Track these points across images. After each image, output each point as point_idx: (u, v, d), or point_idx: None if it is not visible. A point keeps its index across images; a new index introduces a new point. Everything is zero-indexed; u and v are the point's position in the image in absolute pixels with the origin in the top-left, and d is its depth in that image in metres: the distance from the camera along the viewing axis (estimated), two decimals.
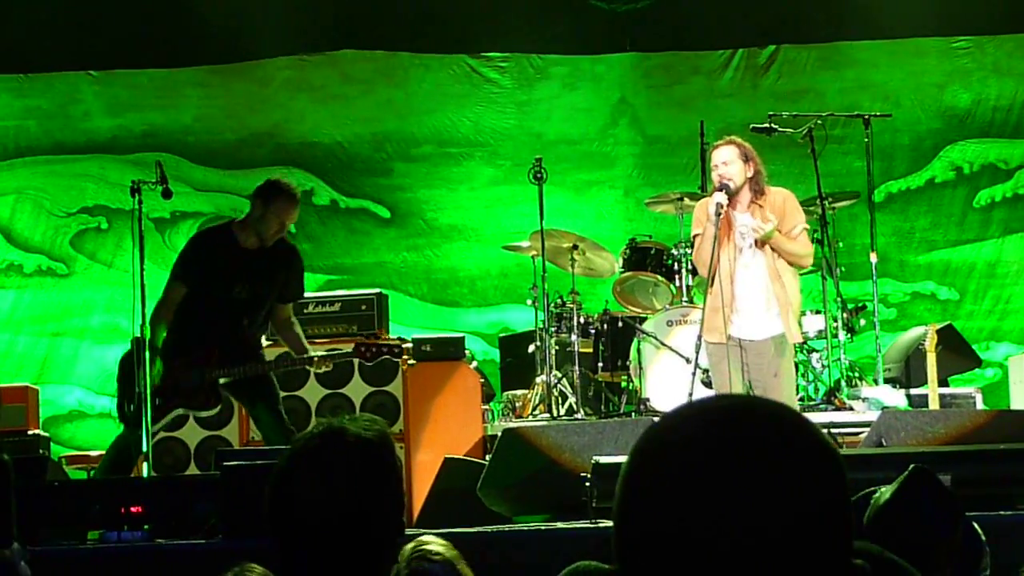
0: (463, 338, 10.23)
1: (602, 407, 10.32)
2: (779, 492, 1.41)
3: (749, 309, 8.10)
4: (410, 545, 3.67)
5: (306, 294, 8.98)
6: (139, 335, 7.91)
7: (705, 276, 8.19)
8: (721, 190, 7.99)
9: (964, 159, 13.08)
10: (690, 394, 8.37)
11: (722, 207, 7.94)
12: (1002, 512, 6.87)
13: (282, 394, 9.18)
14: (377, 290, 10.03)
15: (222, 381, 8.17)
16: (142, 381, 7.83)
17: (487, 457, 8.49)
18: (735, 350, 8.09)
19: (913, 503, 3.70)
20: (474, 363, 10.10)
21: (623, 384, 10.21)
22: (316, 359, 8.28)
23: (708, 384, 9.10)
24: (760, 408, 1.49)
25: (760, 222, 7.97)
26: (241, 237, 8.25)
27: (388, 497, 2.65)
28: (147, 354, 7.85)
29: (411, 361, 9.56)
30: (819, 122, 10.14)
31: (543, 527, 7.04)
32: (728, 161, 8.04)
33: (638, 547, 1.45)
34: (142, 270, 7.92)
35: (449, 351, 9.76)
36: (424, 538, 4.60)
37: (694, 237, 8.29)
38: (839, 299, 10.05)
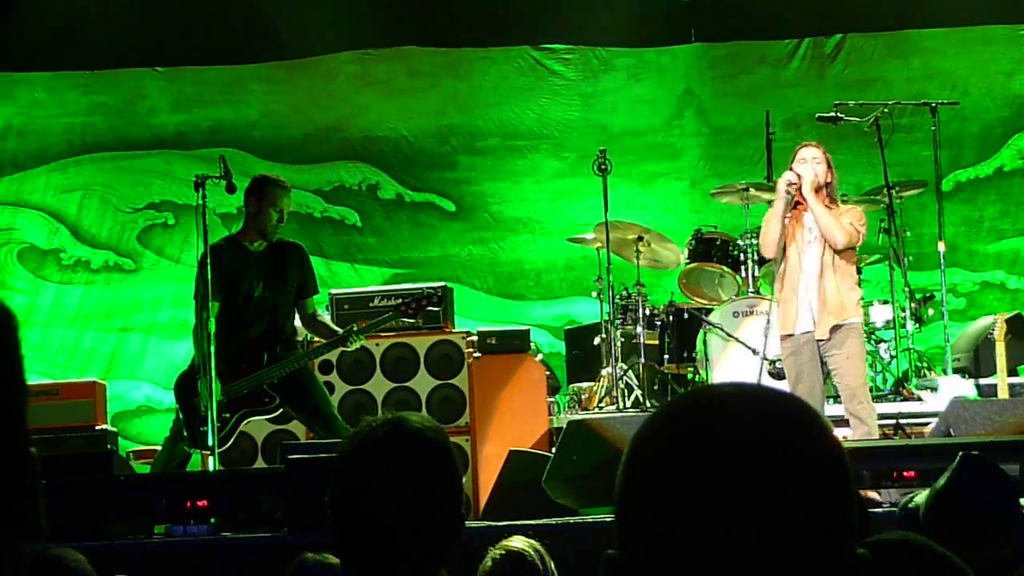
0: (528, 331, 10.23)
1: (668, 399, 10.27)
2: (782, 486, 1.38)
3: (813, 302, 8.18)
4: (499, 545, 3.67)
5: (371, 288, 8.99)
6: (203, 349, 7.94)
7: (770, 257, 8.33)
8: (800, 171, 8.18)
9: None
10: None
11: (796, 184, 8.10)
12: None
13: (347, 388, 9.23)
14: (442, 283, 10.03)
15: (274, 379, 8.21)
16: (204, 392, 7.89)
17: (552, 449, 8.49)
18: (807, 342, 8.19)
19: (965, 487, 3.75)
20: (539, 356, 10.10)
21: (689, 376, 10.17)
22: (352, 330, 8.26)
23: (776, 375, 9.07)
24: (765, 400, 1.46)
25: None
26: (245, 241, 8.32)
27: (450, 488, 2.65)
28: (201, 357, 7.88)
29: (476, 354, 9.58)
30: (885, 111, 10.07)
31: (609, 518, 7.03)
32: (817, 159, 8.23)
33: (636, 539, 1.42)
34: (208, 265, 7.96)
35: (514, 344, 9.77)
36: (511, 539, 4.62)
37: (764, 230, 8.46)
38: (907, 289, 9.98)
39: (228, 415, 8.05)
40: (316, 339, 8.74)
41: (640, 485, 1.43)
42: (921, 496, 3.99)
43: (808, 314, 8.24)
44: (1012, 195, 12.87)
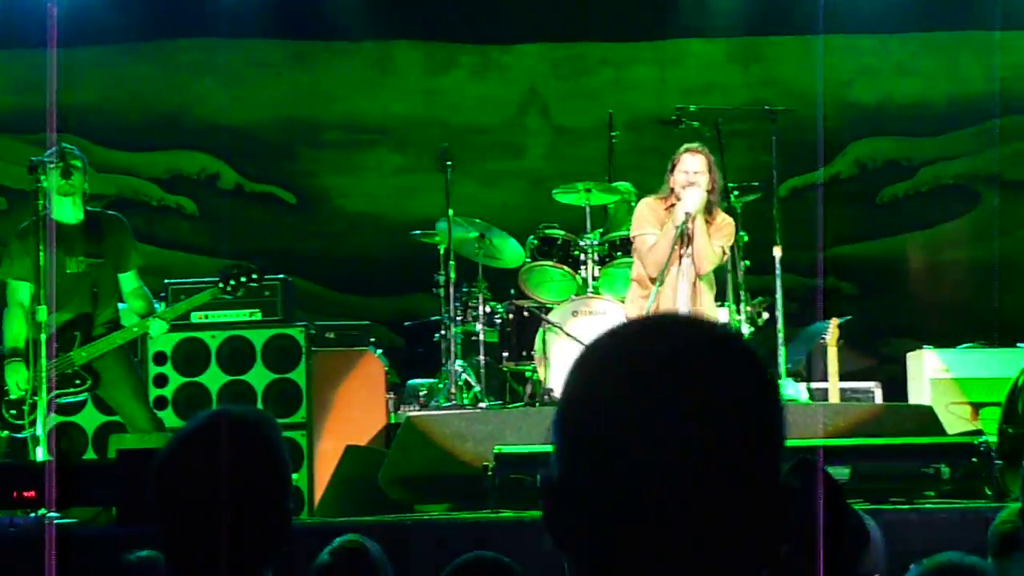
0: (368, 326, 10.18)
1: (506, 397, 10.30)
2: (713, 401, 1.42)
3: (682, 308, 8.31)
4: None
5: (208, 279, 8.85)
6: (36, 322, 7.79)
7: (654, 276, 8.35)
8: (694, 197, 8.19)
9: (868, 156, 13.24)
10: None
11: (693, 217, 8.16)
12: (898, 506, 6.96)
13: (181, 380, 9.09)
14: (282, 276, 9.93)
15: (85, 358, 8.08)
16: (15, 376, 7.76)
17: (390, 446, 8.46)
18: None
19: (794, 491, 3.77)
20: (379, 351, 10.05)
21: (528, 374, 10.20)
22: (154, 312, 8.19)
23: None
24: (697, 323, 1.52)
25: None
26: (57, 216, 8.14)
27: (275, 480, 2.61)
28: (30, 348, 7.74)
29: (314, 348, 9.50)
30: (721, 119, 10.19)
31: (444, 516, 7.03)
32: (701, 171, 8.27)
33: (575, 453, 1.45)
34: (39, 251, 7.78)
35: (354, 339, 9.72)
36: (347, 536, 4.57)
37: (635, 237, 8.49)
38: (743, 293, 10.10)
39: (38, 397, 7.89)
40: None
41: (581, 397, 1.47)
42: None
43: None
44: (846, 203, 13.15)
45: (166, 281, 9.66)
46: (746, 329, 10.02)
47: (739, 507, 1.42)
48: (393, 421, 9.39)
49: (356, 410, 9.36)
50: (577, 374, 1.50)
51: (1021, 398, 8.30)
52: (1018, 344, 10.19)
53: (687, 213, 8.20)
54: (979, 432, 8.57)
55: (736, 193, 10.19)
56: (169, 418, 8.76)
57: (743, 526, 1.42)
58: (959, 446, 7.76)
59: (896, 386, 10.82)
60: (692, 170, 8.32)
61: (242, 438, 2.58)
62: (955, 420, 9.62)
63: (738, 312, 10.07)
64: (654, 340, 1.48)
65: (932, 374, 10.23)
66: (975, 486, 7.45)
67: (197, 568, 2.56)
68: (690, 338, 1.48)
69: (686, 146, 8.57)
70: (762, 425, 1.45)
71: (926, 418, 8.69)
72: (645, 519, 1.40)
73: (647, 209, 8.46)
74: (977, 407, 9.96)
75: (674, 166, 8.42)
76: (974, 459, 7.50)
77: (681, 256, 8.34)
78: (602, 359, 1.48)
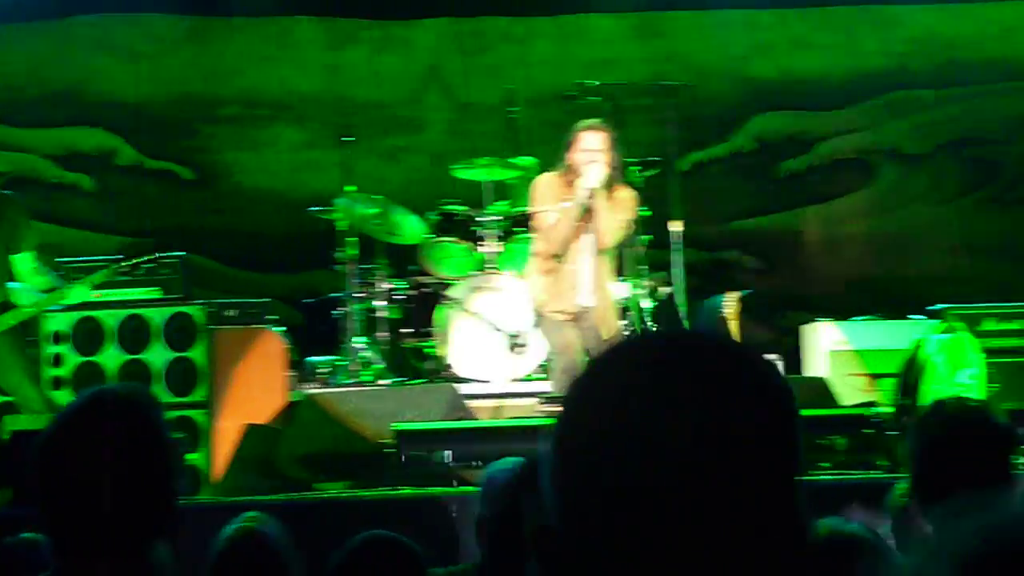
0: (268, 303, 10.11)
1: (408, 373, 10.29)
2: (729, 409, 1.34)
3: (585, 282, 8.29)
4: None
5: (104, 257, 8.77)
6: None
7: (557, 252, 8.34)
8: (596, 173, 8.18)
9: (767, 131, 13.34)
10: (499, 362, 8.46)
11: (594, 191, 8.15)
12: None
13: (79, 359, 8.98)
14: (181, 253, 9.83)
15: None
16: None
17: (290, 424, 8.43)
18: (578, 318, 8.31)
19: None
20: (279, 329, 9.98)
21: (428, 350, 10.19)
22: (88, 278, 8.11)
23: (518, 350, 9.16)
24: (698, 338, 1.46)
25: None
26: None
27: (158, 456, 2.59)
28: None
29: (214, 326, 9.43)
30: (621, 94, 10.22)
31: (343, 494, 7.01)
32: (602, 149, 8.25)
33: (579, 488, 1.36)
34: None
35: (253, 316, 9.65)
36: (246, 515, 4.54)
37: (535, 213, 8.47)
38: (644, 267, 10.13)
39: None
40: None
41: (584, 436, 1.37)
42: None
43: (582, 297, 8.36)
44: (746, 177, 13.25)
45: (58, 260, 9.54)
46: (647, 304, 10.07)
47: (759, 527, 1.34)
48: (293, 399, 9.34)
49: (256, 388, 9.28)
50: (575, 413, 1.39)
51: (915, 370, 8.42)
52: (912, 316, 10.32)
53: (589, 189, 8.21)
54: (873, 403, 8.68)
55: (637, 168, 10.22)
56: (66, 398, 8.65)
57: (766, 544, 1.34)
58: (853, 417, 7.86)
59: (795, 358, 10.92)
60: (592, 147, 8.31)
61: (122, 417, 2.56)
62: (851, 391, 9.73)
63: (639, 287, 10.11)
64: (658, 367, 1.38)
65: (830, 346, 10.34)
66: (869, 457, 7.54)
67: (79, 548, 2.53)
68: (698, 360, 1.38)
69: (585, 122, 8.55)
70: (775, 448, 1.37)
71: (819, 390, 8.79)
72: (668, 557, 1.32)
73: (545, 186, 8.46)
74: (874, 378, 10.07)
75: (572, 143, 8.40)
76: (867, 430, 7.60)
77: (584, 232, 8.35)
78: (604, 392, 1.38)
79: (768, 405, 1.38)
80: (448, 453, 7.36)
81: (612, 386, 1.37)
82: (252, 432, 8.58)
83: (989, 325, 10.13)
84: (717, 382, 1.36)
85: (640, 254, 9.92)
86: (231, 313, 9.65)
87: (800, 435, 1.39)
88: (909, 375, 8.44)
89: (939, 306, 10.06)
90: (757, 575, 1.33)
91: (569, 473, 1.36)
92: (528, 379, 9.67)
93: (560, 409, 1.39)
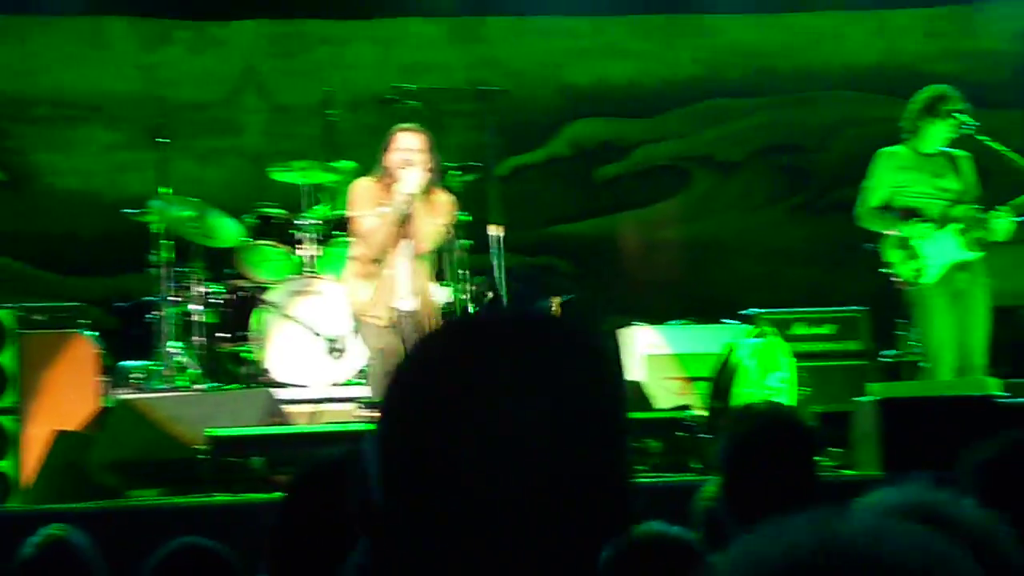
0: (79, 307, 9.92)
1: (223, 378, 10.18)
2: (552, 394, 1.32)
3: (404, 287, 8.27)
4: None
5: None
6: None
7: (376, 257, 8.29)
8: (414, 177, 8.15)
9: (584, 137, 13.48)
10: (317, 367, 8.41)
11: (414, 195, 8.12)
12: None
13: None
14: None
15: None
16: None
17: (102, 430, 8.28)
18: (397, 323, 8.28)
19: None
20: (91, 333, 9.80)
21: (244, 355, 10.10)
22: None
23: (336, 354, 9.13)
24: (523, 317, 1.43)
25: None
26: None
27: None
28: None
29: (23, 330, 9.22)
30: (439, 99, 10.24)
31: (156, 501, 6.92)
32: (419, 150, 8.22)
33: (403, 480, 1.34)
34: None
35: (64, 320, 9.46)
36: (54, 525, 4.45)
37: (353, 218, 8.42)
38: (465, 272, 10.16)
39: None
40: None
41: (405, 412, 1.35)
42: None
43: (401, 301, 8.34)
44: (563, 182, 13.37)
45: None
46: (469, 308, 10.10)
47: (586, 503, 1.34)
48: (106, 405, 9.18)
49: (67, 394, 9.10)
50: (398, 388, 1.38)
51: (727, 373, 8.57)
52: (726, 320, 10.50)
53: (407, 193, 8.20)
54: (687, 407, 8.81)
55: (455, 173, 10.25)
56: None
57: (589, 520, 1.34)
58: (667, 421, 7.97)
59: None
60: (409, 148, 8.30)
61: None
62: (666, 395, 9.87)
63: (460, 292, 10.14)
64: (477, 341, 1.38)
65: (645, 350, 10.47)
66: (682, 459, 7.66)
67: None
68: (519, 331, 1.38)
69: (401, 125, 8.54)
70: (604, 414, 1.36)
71: (635, 393, 8.90)
72: (488, 528, 1.32)
73: (363, 189, 8.43)
74: (689, 381, 10.23)
75: (389, 146, 8.39)
76: (681, 433, 7.71)
77: (402, 236, 8.34)
78: (425, 368, 1.38)
79: (593, 382, 1.38)
80: (262, 459, 7.30)
81: (438, 366, 1.37)
82: (62, 438, 8.41)
83: (799, 329, 10.36)
84: (543, 360, 1.35)
85: (461, 258, 9.94)
86: (41, 317, 9.44)
87: (626, 413, 1.39)
88: (721, 379, 8.59)
89: (752, 311, 10.26)
90: (581, 555, 1.34)
91: (394, 453, 1.35)
92: (347, 384, 9.64)
93: (386, 388, 1.39)
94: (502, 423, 1.31)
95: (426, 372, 1.38)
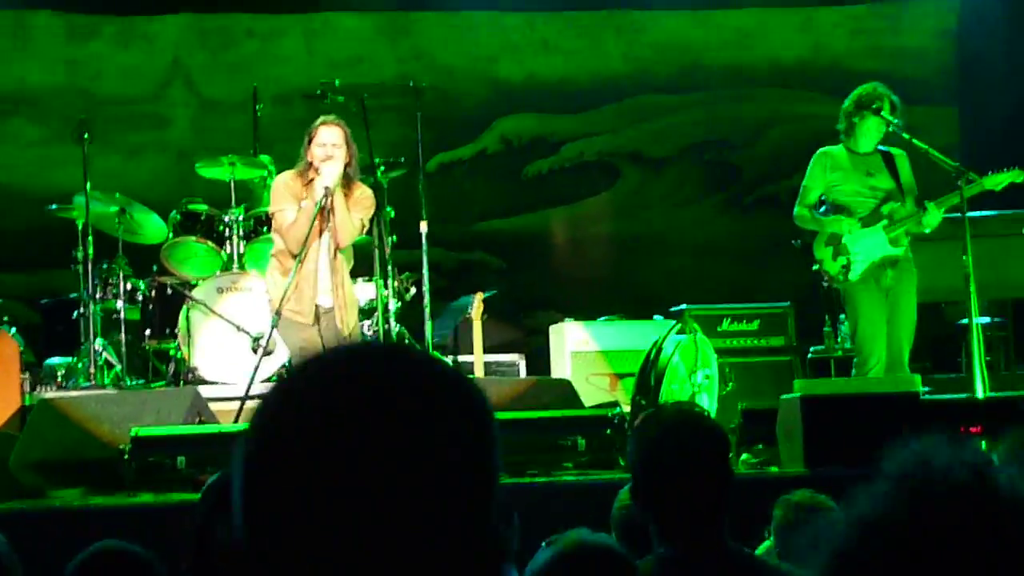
0: (1, 303, 9.82)
1: (149, 376, 10.10)
2: (422, 441, 1.29)
3: (324, 282, 8.22)
4: None
5: None
6: None
7: (295, 252, 8.22)
8: (333, 170, 8.09)
9: (514, 132, 13.47)
10: (256, 367, 8.35)
11: (331, 192, 8.06)
12: (536, 479, 7.12)
13: None
14: None
15: None
16: None
17: (23, 429, 8.19)
18: (317, 318, 8.23)
19: None
20: (13, 329, 9.71)
21: (171, 352, 10.02)
22: None
23: (267, 353, 9.06)
24: (403, 353, 1.39)
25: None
26: None
27: None
28: None
29: None
30: (367, 94, 10.19)
31: (78, 502, 6.85)
32: (339, 144, 8.17)
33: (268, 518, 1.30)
34: None
35: None
36: None
37: (274, 212, 8.35)
38: (391, 268, 10.13)
39: None
40: None
41: (272, 443, 1.31)
42: None
43: (320, 297, 8.28)
44: (493, 178, 13.36)
45: None
46: (393, 304, 10.07)
47: (449, 554, 1.30)
48: (28, 403, 9.08)
49: None
50: (266, 416, 1.34)
51: (653, 370, 8.59)
52: (655, 316, 10.53)
53: (326, 187, 8.15)
54: (614, 404, 8.82)
55: (383, 168, 10.21)
56: None
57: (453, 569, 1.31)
58: (594, 418, 7.97)
59: (541, 359, 11.04)
60: (329, 142, 8.25)
61: None
62: (595, 392, 9.88)
63: (386, 287, 10.11)
64: (354, 374, 1.34)
65: (573, 346, 10.48)
66: (610, 457, 7.66)
67: None
68: (396, 370, 1.35)
69: (322, 118, 8.49)
70: (474, 465, 1.33)
71: (564, 390, 8.89)
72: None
73: (284, 185, 8.36)
74: (617, 378, 10.25)
75: (311, 139, 8.35)
76: (608, 430, 7.71)
77: (322, 231, 8.28)
78: (297, 398, 1.33)
79: (465, 416, 1.35)
80: (187, 459, 7.23)
81: (303, 403, 1.33)
82: None
83: (726, 326, 10.40)
84: (411, 398, 1.32)
85: (387, 254, 9.91)
86: None
87: (496, 451, 1.36)
88: (648, 375, 8.61)
89: (680, 307, 10.29)
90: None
91: (258, 489, 1.32)
92: (272, 380, 9.58)
93: (256, 414, 1.35)
94: (374, 464, 1.29)
95: (300, 402, 1.34)
